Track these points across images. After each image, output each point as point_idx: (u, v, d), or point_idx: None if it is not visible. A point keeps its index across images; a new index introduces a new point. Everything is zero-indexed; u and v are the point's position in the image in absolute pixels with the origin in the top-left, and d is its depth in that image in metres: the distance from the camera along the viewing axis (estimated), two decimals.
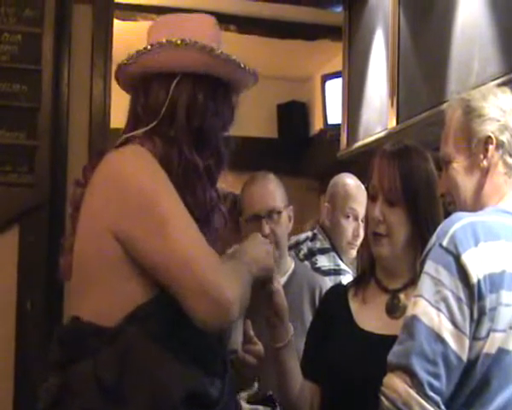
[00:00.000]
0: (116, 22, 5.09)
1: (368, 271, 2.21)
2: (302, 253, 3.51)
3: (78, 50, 4.25)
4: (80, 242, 1.78)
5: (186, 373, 1.68)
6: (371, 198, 2.15)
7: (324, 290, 2.92)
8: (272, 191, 2.94)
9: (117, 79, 1.95)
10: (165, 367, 1.66)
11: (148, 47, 1.84)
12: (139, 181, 1.70)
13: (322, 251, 3.49)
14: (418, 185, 2.10)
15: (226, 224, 1.93)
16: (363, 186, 3.53)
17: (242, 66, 1.90)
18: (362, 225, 3.41)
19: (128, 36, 5.65)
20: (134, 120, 1.88)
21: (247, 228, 2.94)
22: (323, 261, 3.44)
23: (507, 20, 3.39)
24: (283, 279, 2.96)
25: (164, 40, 1.82)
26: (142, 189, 1.70)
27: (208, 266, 1.67)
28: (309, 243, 3.54)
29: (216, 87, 1.88)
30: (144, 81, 1.87)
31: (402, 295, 2.09)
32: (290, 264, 3.03)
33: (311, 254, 3.49)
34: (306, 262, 3.41)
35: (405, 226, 2.09)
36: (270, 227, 2.88)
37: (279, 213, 2.90)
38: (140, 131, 1.82)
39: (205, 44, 1.83)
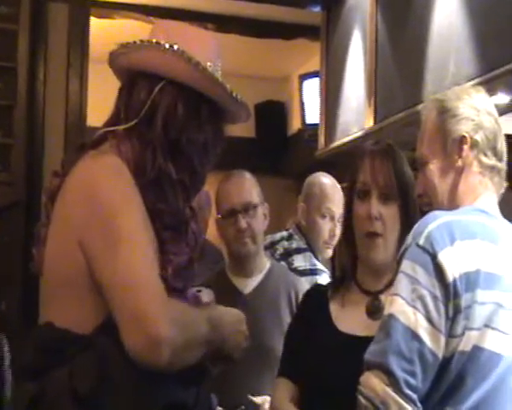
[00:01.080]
0: (93, 20, 5.07)
1: (348, 272, 2.20)
2: (278, 253, 3.50)
3: (54, 48, 4.24)
4: (50, 247, 1.77)
5: (161, 382, 1.65)
6: (361, 196, 2.13)
7: (300, 290, 2.92)
8: (248, 187, 2.95)
9: (109, 62, 1.93)
10: (141, 377, 1.62)
11: (138, 42, 1.82)
12: (108, 197, 1.68)
13: (299, 251, 3.49)
14: (408, 183, 2.11)
15: (198, 243, 1.90)
16: (338, 186, 3.53)
17: (229, 91, 1.87)
18: (338, 225, 3.41)
19: (105, 34, 5.63)
20: (116, 114, 1.86)
21: (223, 224, 2.95)
22: (300, 261, 3.44)
23: (482, 22, 3.41)
24: (259, 278, 2.96)
25: (154, 41, 1.81)
26: (108, 204, 1.67)
27: (149, 298, 1.59)
28: (285, 243, 3.53)
29: (200, 103, 1.85)
30: (130, 77, 1.85)
31: (383, 297, 2.09)
32: (266, 263, 3.03)
33: (288, 255, 3.49)
34: (283, 262, 3.41)
35: (398, 225, 2.09)
36: (246, 222, 2.88)
37: (255, 207, 2.91)
38: (119, 128, 1.81)
39: (192, 57, 1.80)
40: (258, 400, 2.69)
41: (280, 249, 3.50)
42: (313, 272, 3.42)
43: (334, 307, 2.18)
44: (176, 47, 1.79)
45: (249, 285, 2.95)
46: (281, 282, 2.98)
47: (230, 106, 1.90)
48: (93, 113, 4.42)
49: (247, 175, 2.99)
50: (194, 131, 1.83)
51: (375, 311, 2.09)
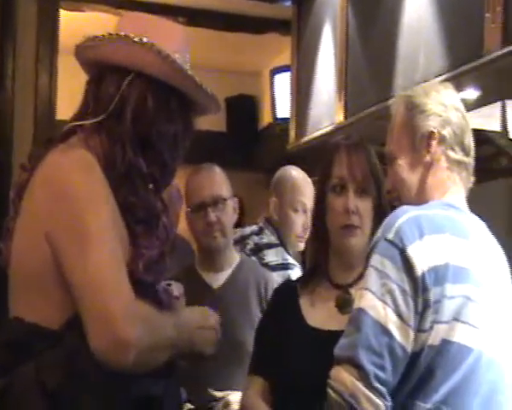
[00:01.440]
0: (62, 12, 5.03)
1: (320, 266, 2.21)
2: (248, 247, 3.46)
3: (23, 42, 4.20)
4: (18, 241, 1.75)
5: (130, 376, 1.64)
6: (337, 190, 2.13)
7: (270, 284, 2.92)
8: (218, 180, 2.94)
9: (76, 55, 1.91)
10: (110, 371, 1.61)
11: (106, 36, 1.80)
12: (76, 193, 1.67)
13: (270, 246, 3.46)
14: (381, 177, 2.13)
15: (169, 236, 1.89)
16: (309, 179, 3.53)
17: (199, 83, 1.86)
18: (309, 218, 3.42)
19: (74, 26, 5.60)
20: (84, 108, 1.85)
21: (193, 217, 2.94)
22: (271, 256, 3.41)
23: (451, 17, 3.44)
24: (229, 272, 2.96)
25: (122, 34, 1.79)
26: (77, 201, 1.66)
27: (117, 299, 1.59)
28: (255, 238, 3.49)
29: (169, 96, 1.84)
30: (99, 71, 1.83)
31: (353, 290, 2.10)
32: (236, 257, 3.03)
33: (258, 250, 3.45)
34: (253, 257, 3.37)
35: (372, 217, 2.11)
36: (215, 215, 2.87)
37: (225, 200, 2.90)
38: (88, 122, 1.80)
39: (161, 49, 1.79)
40: (218, 394, 2.69)
41: (250, 244, 3.46)
42: (285, 266, 3.40)
43: (304, 303, 2.19)
44: (145, 39, 1.78)
45: (219, 280, 2.94)
46: (250, 276, 2.97)
47: (200, 98, 1.90)
48: (63, 106, 4.40)
49: (217, 169, 2.98)
50: (164, 124, 1.83)
51: (344, 304, 2.10)
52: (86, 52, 1.85)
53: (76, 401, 1.61)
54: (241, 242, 3.45)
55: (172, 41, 1.86)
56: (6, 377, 1.65)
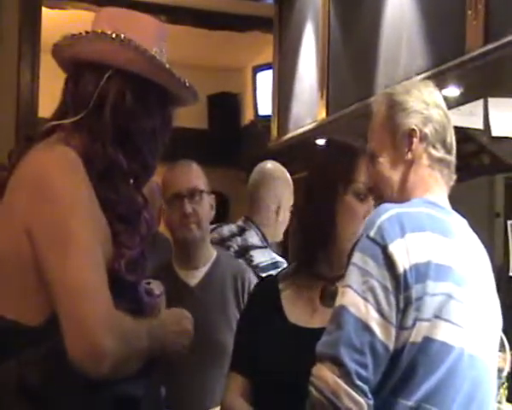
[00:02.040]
0: (44, 10, 5.01)
1: (307, 262, 2.20)
2: (232, 250, 3.38)
3: (5, 39, 4.18)
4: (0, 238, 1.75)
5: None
6: (361, 197, 2.13)
7: (247, 279, 2.92)
8: (194, 173, 2.94)
9: (53, 54, 1.90)
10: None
11: (83, 34, 1.80)
12: (59, 192, 1.66)
13: (255, 247, 3.38)
14: None
15: (151, 231, 1.89)
16: (284, 173, 3.52)
17: (177, 76, 1.87)
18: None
19: (57, 24, 5.57)
20: (63, 106, 1.84)
21: (169, 210, 2.92)
22: (259, 257, 3.33)
23: (433, 15, 3.45)
24: (206, 268, 2.94)
25: (100, 31, 1.79)
26: (60, 199, 1.65)
27: (96, 308, 1.59)
28: (238, 239, 3.41)
29: (148, 90, 1.84)
30: (76, 69, 1.83)
31: (338, 283, 2.10)
32: (213, 252, 3.00)
33: (245, 251, 3.37)
34: (240, 260, 3.29)
35: None
36: (191, 207, 2.86)
37: (201, 192, 2.89)
38: (67, 121, 1.79)
39: (139, 45, 1.79)
40: None
41: (234, 246, 3.38)
42: (275, 265, 3.31)
43: (285, 299, 2.19)
44: (122, 36, 1.78)
45: (196, 277, 2.92)
46: (227, 272, 2.95)
47: (178, 91, 1.90)
48: (45, 104, 4.38)
49: (194, 164, 2.98)
50: (143, 119, 1.83)
51: (329, 296, 2.10)
52: (64, 51, 1.84)
53: (56, 400, 1.60)
54: (221, 244, 3.36)
55: (149, 35, 1.86)
56: None
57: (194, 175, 2.93)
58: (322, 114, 4.61)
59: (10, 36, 4.10)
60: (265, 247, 3.40)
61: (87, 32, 1.80)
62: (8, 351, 1.64)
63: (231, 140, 7.96)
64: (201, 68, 7.63)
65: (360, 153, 2.15)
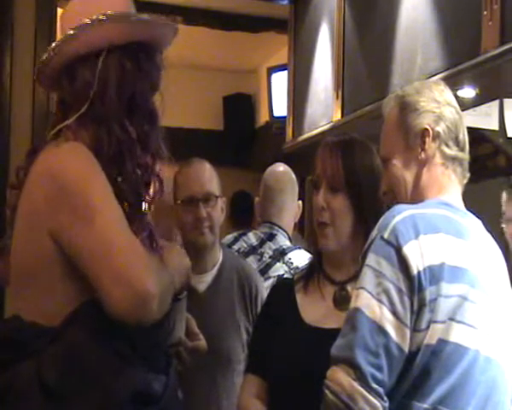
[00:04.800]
0: (60, 11, 5.03)
1: (315, 263, 2.22)
2: (267, 256, 3.33)
3: (21, 40, 4.19)
4: (18, 240, 1.76)
5: (130, 371, 1.66)
6: (315, 188, 2.16)
7: (254, 281, 2.92)
8: (208, 176, 2.91)
9: (39, 81, 1.92)
10: (109, 367, 1.63)
11: (71, 32, 1.79)
12: (73, 175, 1.67)
13: (291, 249, 3.34)
14: (361, 175, 2.13)
15: (162, 193, 1.90)
16: (290, 175, 3.52)
17: (162, 23, 1.90)
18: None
19: None
20: (63, 109, 1.85)
21: (182, 210, 2.89)
22: (298, 259, 3.27)
23: (449, 16, 3.43)
24: (213, 273, 2.92)
25: (87, 20, 1.78)
26: (75, 181, 1.67)
27: (132, 255, 1.61)
28: (270, 245, 3.36)
29: (139, 51, 1.84)
30: (67, 70, 1.82)
31: (349, 287, 2.10)
32: (219, 255, 2.98)
33: (281, 255, 3.32)
34: (279, 263, 3.27)
35: (349, 215, 2.11)
36: (206, 211, 2.84)
37: (216, 198, 2.87)
38: (71, 120, 1.80)
39: (125, 13, 1.82)
40: None
41: (268, 252, 3.33)
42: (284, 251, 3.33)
43: (301, 300, 2.19)
44: (101, 16, 1.78)
45: (204, 282, 2.90)
46: (234, 272, 2.94)
47: (161, 34, 1.91)
48: None
49: (207, 165, 2.95)
50: (144, 81, 1.84)
51: (341, 301, 2.10)
52: (51, 63, 1.83)
53: (75, 397, 1.61)
54: (252, 252, 3.33)
55: (122, 6, 1.86)
56: (5, 375, 1.65)
57: (209, 179, 2.91)
58: (338, 115, 4.60)
59: (26, 36, 4.12)
60: (299, 248, 3.38)
61: (76, 28, 1.79)
62: (26, 351, 1.65)
63: (246, 141, 7.95)
64: (216, 69, 7.64)
65: (323, 143, 2.18)
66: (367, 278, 1.70)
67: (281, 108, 6.62)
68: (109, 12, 1.79)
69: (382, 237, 1.72)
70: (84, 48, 1.80)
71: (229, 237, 3.50)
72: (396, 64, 3.89)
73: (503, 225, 3.31)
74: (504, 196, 3.38)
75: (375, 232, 1.75)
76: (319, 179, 2.15)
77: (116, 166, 1.77)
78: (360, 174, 2.13)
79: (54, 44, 1.82)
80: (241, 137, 7.99)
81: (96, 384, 1.62)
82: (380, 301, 1.67)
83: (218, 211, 2.90)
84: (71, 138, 1.77)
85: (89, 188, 1.67)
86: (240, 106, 8.08)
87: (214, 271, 2.93)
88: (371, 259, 1.72)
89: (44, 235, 1.68)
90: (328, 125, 4.72)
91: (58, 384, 1.61)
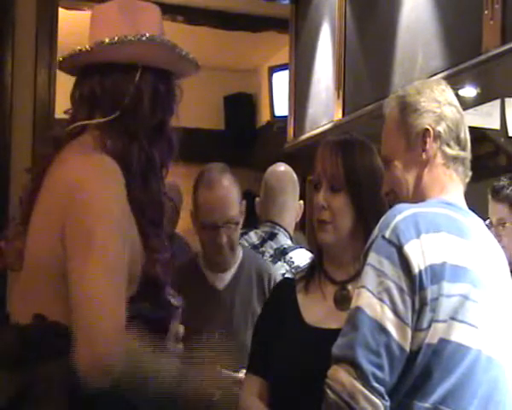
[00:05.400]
0: (61, 11, 5.03)
1: (316, 263, 2.22)
2: (268, 255, 3.32)
3: (22, 39, 4.19)
4: (35, 242, 1.76)
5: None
6: (315, 187, 2.17)
7: (273, 276, 2.93)
8: (229, 200, 2.87)
9: (62, 64, 1.92)
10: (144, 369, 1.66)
11: (115, 39, 1.81)
12: (92, 196, 1.68)
13: (292, 248, 3.35)
14: (361, 174, 2.13)
15: (177, 212, 1.94)
16: (291, 175, 3.52)
17: (194, 61, 1.94)
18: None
19: (73, 25, 5.58)
20: (90, 104, 1.85)
21: (203, 232, 2.89)
22: (299, 258, 3.27)
23: (450, 15, 3.43)
24: (233, 271, 2.93)
25: (131, 37, 1.81)
26: (91, 205, 1.67)
27: (104, 318, 1.58)
28: (271, 244, 3.36)
29: (168, 79, 1.90)
30: (104, 68, 1.85)
31: (350, 287, 2.10)
32: (239, 254, 2.99)
33: (282, 254, 3.32)
34: (280, 263, 3.27)
35: (349, 214, 2.12)
36: (226, 235, 2.83)
37: (237, 223, 2.87)
38: (101, 120, 1.81)
39: (164, 40, 1.85)
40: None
41: (269, 251, 3.33)
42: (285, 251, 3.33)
43: (302, 299, 2.19)
44: (148, 35, 1.82)
45: (223, 280, 2.92)
46: (253, 271, 2.96)
47: (187, 69, 1.97)
48: (61, 104, 4.39)
49: (227, 179, 2.91)
50: (172, 107, 1.89)
51: (342, 301, 2.11)
52: (90, 56, 1.85)
53: (100, 399, 1.63)
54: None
55: (158, 25, 1.91)
56: (26, 374, 1.66)
57: (230, 202, 2.87)
58: (339, 115, 4.60)
59: (27, 36, 4.12)
60: (300, 247, 3.38)
61: (117, 38, 1.81)
62: (51, 351, 1.66)
63: (247, 141, 7.95)
64: (218, 69, 7.63)
65: (323, 143, 2.19)
66: (368, 277, 1.70)
67: (282, 107, 6.62)
68: (152, 34, 1.83)
69: (384, 237, 1.72)
70: (124, 59, 1.83)
71: None
72: (397, 63, 3.89)
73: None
74: (490, 200, 3.37)
75: (376, 231, 1.75)
76: (319, 179, 2.15)
77: (141, 182, 1.79)
78: (360, 173, 2.13)
79: (97, 41, 1.83)
80: (242, 137, 7.99)
81: (118, 388, 1.63)
82: (381, 300, 1.67)
83: (238, 229, 2.89)
84: (98, 142, 1.78)
85: (100, 215, 1.66)
86: (241, 105, 8.08)
87: (233, 269, 2.94)
88: (372, 258, 1.72)
89: (57, 239, 1.69)
90: (329, 125, 4.72)
91: (81, 386, 1.61)
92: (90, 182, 1.70)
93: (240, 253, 3.00)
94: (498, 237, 3.26)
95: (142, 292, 1.73)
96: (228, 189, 2.89)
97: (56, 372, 1.63)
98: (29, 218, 1.82)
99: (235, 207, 2.88)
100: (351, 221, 2.12)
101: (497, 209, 3.31)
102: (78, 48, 1.86)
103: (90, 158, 1.75)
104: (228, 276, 2.93)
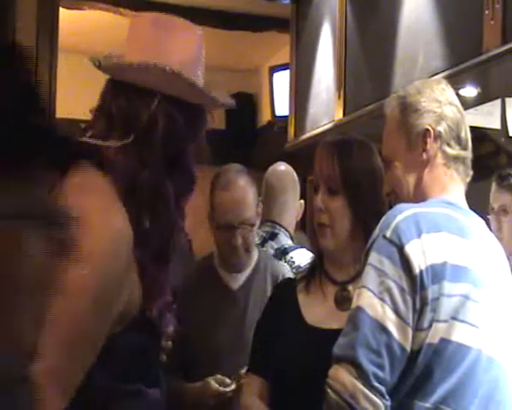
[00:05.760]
0: (62, 11, 5.04)
1: (317, 264, 2.22)
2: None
3: (23, 39, 4.20)
4: None
5: None
6: (314, 189, 2.17)
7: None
8: (245, 201, 2.85)
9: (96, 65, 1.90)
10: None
11: (135, 65, 1.79)
12: (92, 235, 1.59)
13: (293, 248, 3.35)
14: (358, 175, 2.12)
15: (190, 249, 1.91)
16: (295, 175, 3.53)
17: (216, 99, 1.93)
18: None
19: (74, 25, 5.59)
20: (107, 120, 1.81)
21: (218, 235, 2.88)
22: (300, 258, 3.27)
23: (451, 15, 3.43)
24: (248, 272, 2.92)
25: (152, 65, 1.78)
26: (88, 244, 1.55)
27: (57, 367, 1.50)
28: (272, 244, 3.37)
29: (188, 113, 1.85)
30: (125, 87, 1.81)
31: (350, 287, 2.10)
32: (254, 254, 2.98)
33: (282, 254, 3.33)
34: (281, 263, 3.21)
35: (347, 216, 2.11)
36: (242, 236, 2.82)
37: (252, 225, 2.85)
38: (117, 144, 1.76)
39: (188, 77, 1.81)
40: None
41: (269, 251, 3.32)
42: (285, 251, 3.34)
43: (303, 300, 2.19)
44: (174, 69, 1.78)
45: (238, 280, 2.91)
46: (268, 272, 2.95)
47: (211, 107, 1.96)
48: (62, 104, 4.39)
49: (244, 180, 2.89)
50: (190, 141, 1.85)
51: (343, 301, 2.10)
52: (109, 69, 1.84)
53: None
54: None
55: (192, 55, 1.90)
56: None
57: (246, 204, 2.84)
58: (340, 115, 4.60)
59: (28, 36, 4.12)
60: (301, 247, 3.37)
61: (141, 64, 1.79)
62: None
63: (248, 140, 7.96)
64: (218, 69, 7.62)
65: (321, 144, 2.19)
66: (369, 276, 1.70)
67: (283, 107, 6.62)
68: (176, 69, 1.79)
69: (384, 236, 1.72)
70: (142, 84, 1.80)
71: None
72: (398, 63, 3.89)
73: (489, 216, 3.32)
74: (493, 186, 3.38)
75: (377, 231, 1.75)
76: (317, 181, 2.15)
77: (149, 209, 1.75)
78: (358, 175, 2.12)
79: (127, 62, 1.81)
80: (243, 137, 7.99)
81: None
82: (382, 299, 1.67)
83: (254, 231, 2.88)
84: (108, 166, 1.73)
85: (93, 260, 1.59)
86: (242, 105, 8.07)
87: (248, 271, 2.93)
88: (373, 258, 1.72)
89: None
90: (329, 125, 4.72)
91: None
92: (93, 216, 1.61)
93: (255, 254, 2.98)
94: (499, 224, 3.27)
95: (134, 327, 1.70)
96: (244, 190, 2.88)
97: None
98: None
99: (250, 208, 2.86)
100: (349, 223, 2.11)
101: (500, 196, 3.33)
102: (101, 61, 1.84)
103: (97, 192, 1.70)
104: (243, 277, 2.92)
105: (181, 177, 1.83)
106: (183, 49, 1.86)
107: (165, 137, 1.79)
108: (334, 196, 2.12)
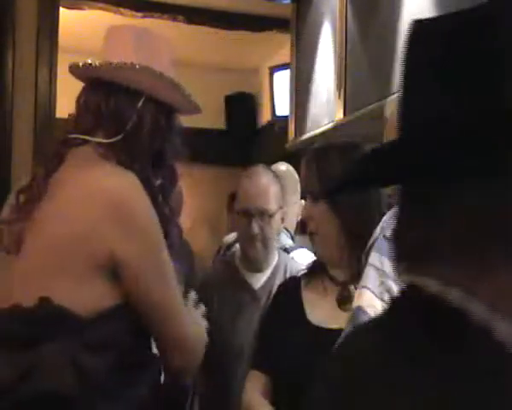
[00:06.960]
0: (62, 10, 5.04)
1: (318, 264, 2.23)
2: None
3: (23, 38, 4.20)
4: (58, 234, 1.78)
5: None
6: (304, 198, 2.20)
7: None
8: (266, 192, 2.88)
9: (73, 69, 1.96)
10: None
11: (123, 63, 1.88)
12: (147, 221, 1.81)
13: (294, 248, 3.36)
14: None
15: (181, 238, 2.01)
16: (296, 175, 3.54)
17: (194, 101, 2.04)
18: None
19: (74, 25, 5.59)
20: (95, 118, 1.91)
21: (239, 220, 2.92)
22: (301, 258, 3.22)
23: None
24: (268, 272, 2.95)
25: (138, 65, 1.88)
26: (149, 231, 1.81)
27: (190, 329, 1.91)
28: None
29: (170, 113, 1.98)
30: (111, 87, 1.91)
31: (352, 287, 2.11)
32: (275, 255, 3.00)
33: (286, 252, 3.30)
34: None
35: (331, 222, 2.12)
36: (259, 226, 2.84)
37: (271, 216, 2.86)
38: (108, 141, 1.86)
39: (173, 80, 1.94)
40: None
41: None
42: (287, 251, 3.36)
43: (306, 298, 2.20)
44: (161, 71, 1.91)
45: (259, 280, 2.94)
46: (288, 274, 2.95)
47: (187, 108, 2.06)
48: (62, 104, 4.39)
49: (267, 177, 2.93)
50: (174, 139, 1.97)
51: (344, 301, 2.11)
52: (99, 71, 1.91)
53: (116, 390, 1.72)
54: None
55: (166, 58, 2.00)
56: (29, 354, 1.67)
57: (266, 194, 2.87)
58: (340, 115, 4.59)
59: (28, 36, 4.12)
60: (302, 247, 3.38)
61: (131, 64, 1.89)
62: (56, 333, 1.69)
63: (248, 140, 7.96)
64: (218, 69, 7.63)
65: (304, 154, 2.22)
66: (370, 277, 1.71)
67: (283, 107, 6.62)
68: (164, 72, 1.92)
69: (385, 237, 1.72)
70: (129, 84, 1.90)
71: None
72: (398, 63, 3.89)
73: None
74: None
75: (377, 231, 1.75)
76: (303, 190, 2.18)
77: None
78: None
79: (114, 62, 1.90)
80: (244, 137, 7.99)
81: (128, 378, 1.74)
82: (383, 300, 1.67)
83: (273, 226, 2.89)
84: (110, 158, 1.85)
85: (159, 239, 1.83)
86: (242, 105, 8.08)
87: (268, 272, 2.95)
88: (374, 258, 1.72)
89: (103, 248, 1.74)
90: (330, 125, 4.72)
91: (95, 372, 1.68)
92: (136, 202, 1.80)
93: (276, 255, 3.00)
94: None
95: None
96: (267, 181, 2.92)
97: (61, 351, 1.66)
98: (29, 211, 1.84)
99: (271, 200, 2.87)
100: (335, 228, 2.12)
101: None
102: (89, 61, 1.92)
103: (121, 176, 1.82)
104: (264, 276, 2.94)
105: (165, 173, 1.96)
106: (161, 58, 1.97)
107: (151, 137, 1.91)
108: (316, 203, 2.13)
